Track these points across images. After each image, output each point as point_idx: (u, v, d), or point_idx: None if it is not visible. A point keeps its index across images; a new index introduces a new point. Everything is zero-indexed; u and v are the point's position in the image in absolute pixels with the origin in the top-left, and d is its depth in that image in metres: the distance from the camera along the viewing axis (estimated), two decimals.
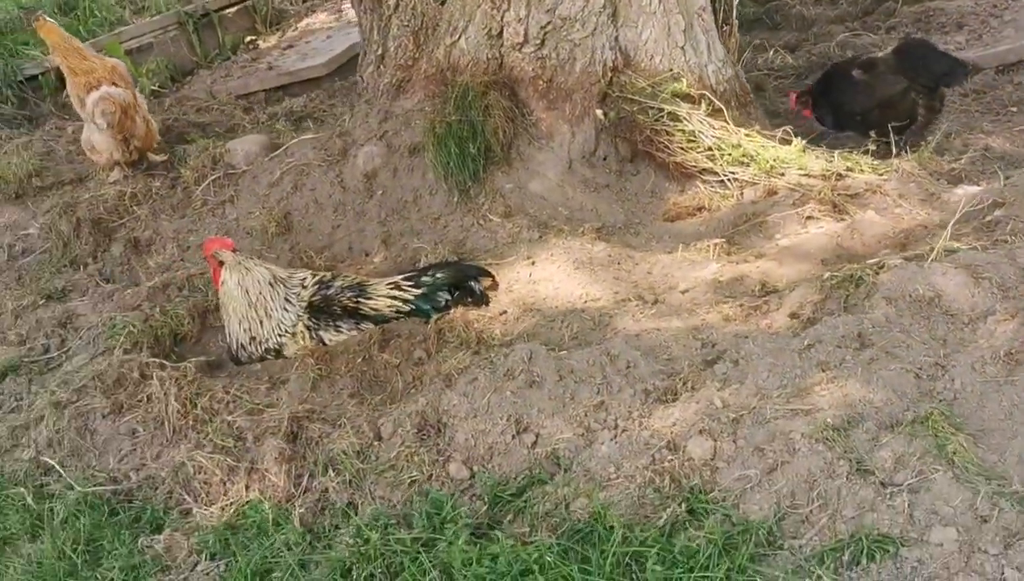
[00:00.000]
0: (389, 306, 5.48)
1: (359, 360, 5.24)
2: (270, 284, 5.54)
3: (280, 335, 5.51)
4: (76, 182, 8.02)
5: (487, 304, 5.53)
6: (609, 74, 6.48)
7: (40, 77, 10.27)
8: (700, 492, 3.97)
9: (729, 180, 6.19)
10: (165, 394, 5.07)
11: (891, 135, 6.36)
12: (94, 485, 4.81)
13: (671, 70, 6.47)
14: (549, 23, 6.43)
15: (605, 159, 6.51)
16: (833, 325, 4.56)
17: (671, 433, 4.22)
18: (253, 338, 5.53)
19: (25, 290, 6.55)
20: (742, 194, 6.17)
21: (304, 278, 5.65)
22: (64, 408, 5.22)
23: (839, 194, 5.85)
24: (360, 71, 7.52)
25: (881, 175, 5.97)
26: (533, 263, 5.78)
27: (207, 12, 11.77)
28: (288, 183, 6.81)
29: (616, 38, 6.48)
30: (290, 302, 5.54)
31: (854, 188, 5.89)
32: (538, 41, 6.48)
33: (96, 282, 6.60)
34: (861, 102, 6.97)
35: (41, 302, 6.39)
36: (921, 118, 6.92)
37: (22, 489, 4.84)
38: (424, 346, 5.23)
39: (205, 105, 9.38)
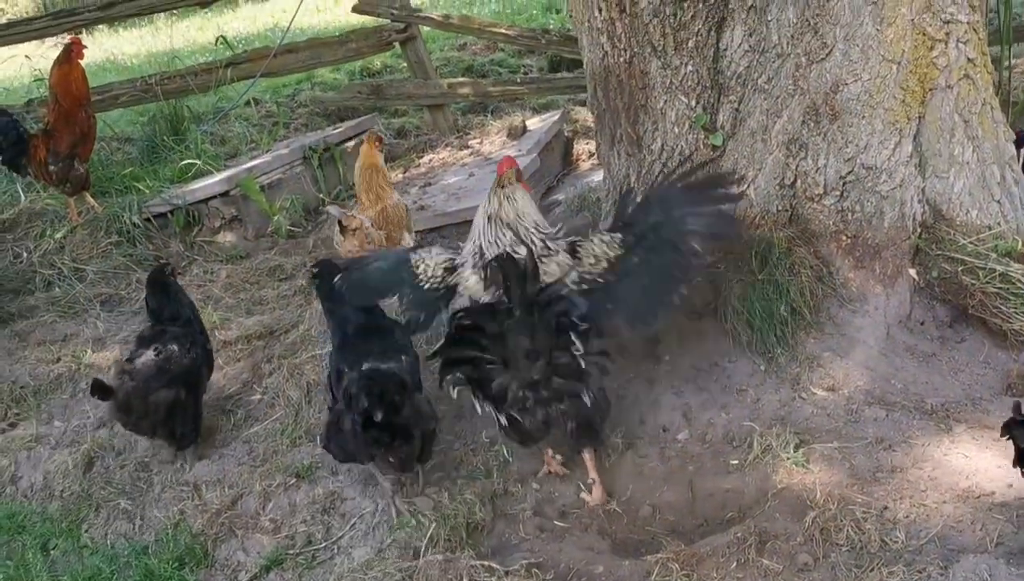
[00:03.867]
0: None
1: (732, 565, 4.47)
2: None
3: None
4: (267, 336, 7.30)
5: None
6: (919, 229, 5.83)
7: (169, 215, 9.66)
8: None
9: None
10: None
11: None
12: None
13: (989, 226, 5.83)
14: (850, 172, 5.80)
15: (922, 324, 5.79)
16: None
17: None
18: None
19: (268, 467, 5.72)
20: None
21: None
22: None
23: None
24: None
25: None
26: (890, 447, 5.04)
27: (327, 146, 11.31)
28: None
29: (923, 189, 5.85)
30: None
31: None
32: (838, 192, 5.85)
33: None
34: None
35: (291, 481, 5.57)
36: None
37: None
38: (808, 549, 4.47)
39: None
